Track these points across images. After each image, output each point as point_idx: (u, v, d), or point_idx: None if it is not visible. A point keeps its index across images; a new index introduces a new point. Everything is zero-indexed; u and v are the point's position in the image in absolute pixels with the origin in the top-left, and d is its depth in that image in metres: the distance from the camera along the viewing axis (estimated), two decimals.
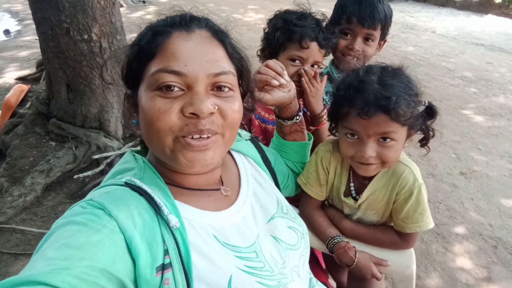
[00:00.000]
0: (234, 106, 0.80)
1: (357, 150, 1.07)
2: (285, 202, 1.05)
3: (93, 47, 3.02)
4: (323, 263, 1.57)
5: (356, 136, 1.07)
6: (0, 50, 6.29)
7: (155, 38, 0.77)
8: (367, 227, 1.25)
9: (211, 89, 0.77)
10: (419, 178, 1.13)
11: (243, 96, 0.90)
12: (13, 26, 7.89)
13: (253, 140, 1.17)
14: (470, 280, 2.39)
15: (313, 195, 1.27)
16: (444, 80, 5.57)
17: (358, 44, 1.49)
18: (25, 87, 4.20)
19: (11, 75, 5.06)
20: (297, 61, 1.38)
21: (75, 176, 3.00)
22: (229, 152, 1.04)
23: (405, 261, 1.24)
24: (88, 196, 0.75)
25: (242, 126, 1.09)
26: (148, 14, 8.29)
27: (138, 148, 0.99)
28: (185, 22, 0.80)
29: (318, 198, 1.28)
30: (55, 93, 3.27)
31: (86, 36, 2.95)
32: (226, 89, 0.79)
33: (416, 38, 7.58)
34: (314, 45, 1.37)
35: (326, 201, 1.35)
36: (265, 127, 1.55)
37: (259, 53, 1.51)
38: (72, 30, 2.90)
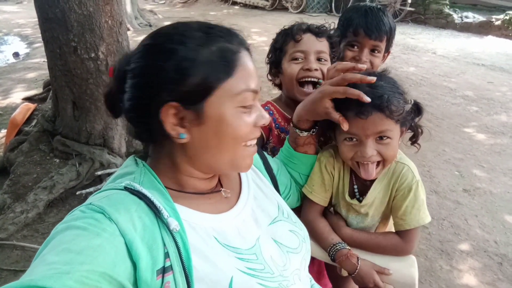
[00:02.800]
0: None
1: (357, 151, 1.10)
2: (286, 207, 1.06)
3: (100, 65, 3.09)
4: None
5: (355, 139, 1.10)
6: (9, 71, 6.44)
7: (233, 57, 0.81)
8: (368, 233, 1.25)
9: None
10: (417, 175, 1.19)
11: None
12: (22, 49, 8.10)
13: None
14: None
15: (317, 201, 1.28)
16: (446, 99, 5.59)
17: (365, 55, 1.52)
18: (31, 106, 4.27)
19: (18, 95, 5.16)
20: (299, 59, 1.38)
21: (78, 192, 3.01)
22: None
23: (407, 270, 1.22)
24: (88, 201, 0.75)
25: (260, 136, 1.10)
26: None
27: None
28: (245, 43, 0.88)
29: (321, 203, 1.29)
30: (61, 111, 3.32)
31: (93, 55, 3.03)
32: None
33: (417, 59, 7.65)
34: (308, 36, 1.38)
35: (331, 208, 1.36)
36: (283, 137, 1.53)
37: (269, 77, 1.53)
38: (80, 48, 2.98)
